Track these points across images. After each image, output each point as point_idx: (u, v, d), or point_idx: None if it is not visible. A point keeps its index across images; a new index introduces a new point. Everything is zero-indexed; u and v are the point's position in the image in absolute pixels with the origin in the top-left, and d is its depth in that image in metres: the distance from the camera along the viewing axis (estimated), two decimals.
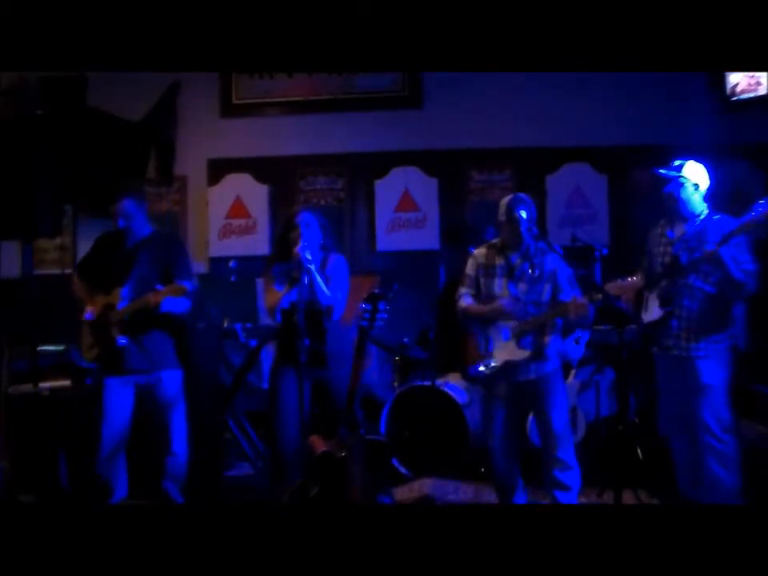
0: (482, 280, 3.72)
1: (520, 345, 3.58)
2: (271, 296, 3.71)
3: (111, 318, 3.71)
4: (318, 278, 3.61)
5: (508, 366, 3.60)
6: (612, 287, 3.63)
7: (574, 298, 3.48)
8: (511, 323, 3.60)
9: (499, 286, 3.64)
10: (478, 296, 3.75)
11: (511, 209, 3.57)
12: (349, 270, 3.81)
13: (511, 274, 3.64)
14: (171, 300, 3.64)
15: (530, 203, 3.63)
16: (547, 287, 3.61)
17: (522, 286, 3.61)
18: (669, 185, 3.55)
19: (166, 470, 3.79)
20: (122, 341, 3.70)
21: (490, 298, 3.67)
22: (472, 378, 3.81)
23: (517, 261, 3.64)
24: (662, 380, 3.74)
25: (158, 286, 3.60)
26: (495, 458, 3.72)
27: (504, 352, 3.60)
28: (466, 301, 3.75)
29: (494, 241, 3.77)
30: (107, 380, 3.77)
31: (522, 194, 3.69)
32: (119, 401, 3.76)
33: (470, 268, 3.78)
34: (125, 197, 3.82)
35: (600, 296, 3.41)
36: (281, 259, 3.72)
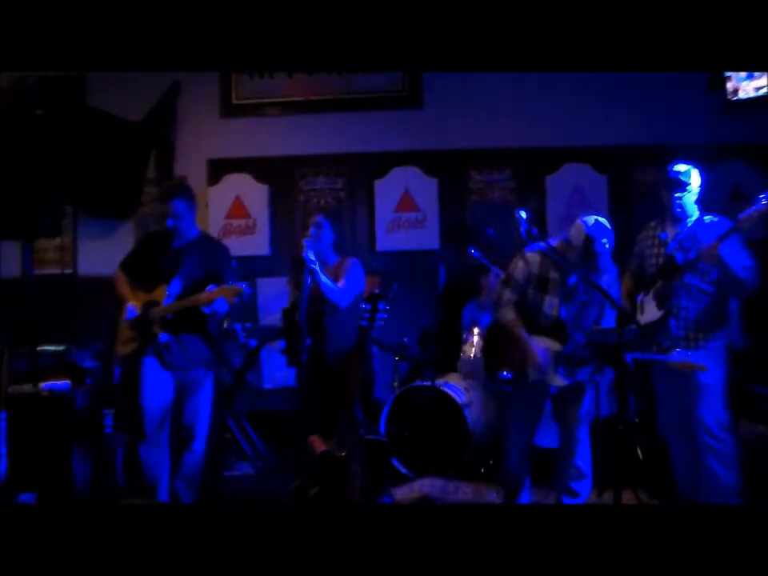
0: (530, 291, 3.54)
1: (558, 371, 3.48)
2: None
3: (154, 314, 3.75)
4: (323, 277, 3.64)
5: (540, 382, 3.54)
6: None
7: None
8: (552, 345, 3.47)
9: (551, 305, 3.49)
10: (522, 304, 3.56)
11: (593, 237, 3.32)
12: (364, 271, 3.87)
13: (567, 297, 3.48)
14: (220, 300, 3.66)
15: (610, 230, 3.41)
16: (594, 311, 3.52)
17: (573, 309, 3.50)
18: (681, 190, 3.53)
19: (181, 467, 3.83)
20: (164, 337, 3.76)
21: (537, 313, 3.51)
22: (499, 382, 3.65)
23: (574, 282, 3.48)
24: (660, 380, 3.75)
25: (211, 287, 3.64)
26: (510, 459, 3.69)
27: (539, 373, 3.50)
28: (508, 315, 3.56)
29: (553, 247, 3.42)
30: (147, 363, 3.81)
31: (602, 221, 3.42)
32: (160, 375, 3.81)
33: (519, 272, 3.56)
34: (176, 197, 3.83)
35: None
36: (300, 264, 3.78)
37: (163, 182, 6.15)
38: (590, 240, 3.33)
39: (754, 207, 3.24)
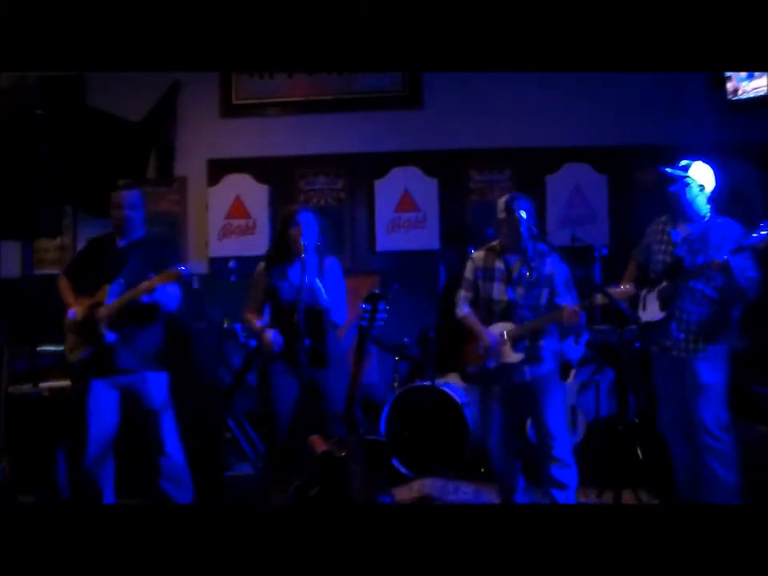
0: (480, 283, 3.72)
1: (515, 348, 3.59)
2: (254, 302, 3.78)
3: (99, 315, 3.62)
4: (317, 280, 3.62)
5: (503, 368, 3.61)
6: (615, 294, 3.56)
7: (566, 307, 3.48)
8: (507, 327, 3.61)
9: (497, 290, 3.65)
10: (476, 299, 3.75)
11: (510, 207, 3.55)
12: (343, 274, 3.82)
13: (509, 279, 3.63)
14: (164, 291, 3.56)
15: (529, 202, 3.61)
16: (545, 291, 3.61)
17: (520, 290, 3.60)
18: (674, 184, 3.53)
19: (162, 470, 3.74)
20: (111, 337, 3.62)
21: (489, 301, 3.68)
22: (469, 378, 3.82)
23: (515, 264, 3.63)
24: (660, 380, 3.75)
25: (151, 274, 3.53)
26: (494, 458, 3.76)
27: (499, 355, 3.61)
28: (463, 309, 3.77)
29: (493, 243, 3.75)
30: (93, 381, 3.70)
31: (519, 194, 3.67)
32: (106, 402, 3.70)
33: (468, 271, 3.79)
34: (133, 188, 3.81)
35: (605, 300, 3.38)
36: (281, 257, 3.72)
37: (162, 182, 6.17)
38: (508, 209, 3.56)
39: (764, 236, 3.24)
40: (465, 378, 3.86)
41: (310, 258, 3.62)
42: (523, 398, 3.65)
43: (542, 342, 3.61)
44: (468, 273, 3.78)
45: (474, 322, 3.71)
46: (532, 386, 3.61)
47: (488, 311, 3.69)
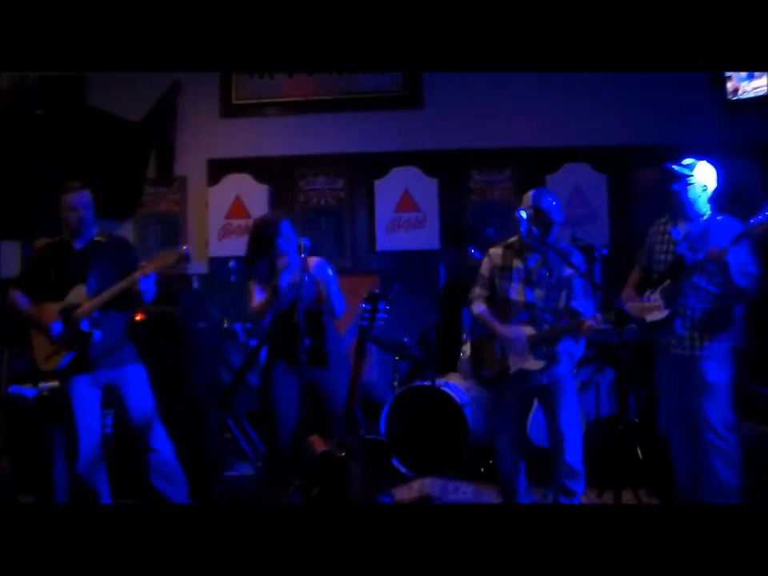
0: (497, 282, 3.64)
1: (534, 354, 3.53)
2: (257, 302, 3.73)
3: (77, 316, 3.56)
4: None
5: (521, 373, 3.57)
6: (634, 309, 3.54)
7: (585, 318, 3.41)
8: (526, 330, 3.54)
9: (516, 290, 3.57)
10: (492, 298, 3.67)
11: (538, 196, 3.56)
12: (332, 268, 3.80)
13: (529, 279, 3.56)
14: (146, 281, 3.51)
15: (553, 200, 3.56)
16: (563, 294, 3.55)
17: (539, 292, 3.55)
18: (678, 183, 3.52)
19: (151, 466, 3.71)
20: (98, 334, 3.57)
21: (506, 301, 3.60)
22: (484, 381, 3.76)
23: (534, 265, 3.57)
24: (664, 378, 3.74)
25: (135, 266, 3.50)
26: (501, 459, 3.72)
27: (518, 360, 3.55)
28: (479, 308, 3.68)
29: (511, 240, 3.68)
30: (74, 384, 3.65)
31: (545, 190, 3.65)
32: (89, 404, 3.67)
33: (484, 268, 3.71)
34: (83, 188, 3.72)
35: (614, 316, 3.36)
36: (261, 259, 3.69)
37: (162, 182, 6.16)
38: (536, 199, 3.54)
39: (765, 216, 3.23)
40: (480, 381, 3.78)
41: (293, 260, 3.62)
42: (538, 399, 3.65)
43: (559, 346, 3.56)
44: (484, 269, 3.70)
45: (491, 320, 3.61)
46: (549, 387, 3.58)
47: (505, 311, 3.61)
